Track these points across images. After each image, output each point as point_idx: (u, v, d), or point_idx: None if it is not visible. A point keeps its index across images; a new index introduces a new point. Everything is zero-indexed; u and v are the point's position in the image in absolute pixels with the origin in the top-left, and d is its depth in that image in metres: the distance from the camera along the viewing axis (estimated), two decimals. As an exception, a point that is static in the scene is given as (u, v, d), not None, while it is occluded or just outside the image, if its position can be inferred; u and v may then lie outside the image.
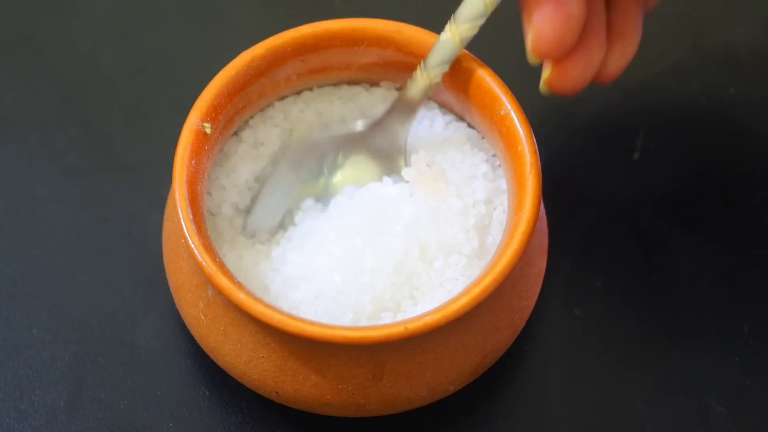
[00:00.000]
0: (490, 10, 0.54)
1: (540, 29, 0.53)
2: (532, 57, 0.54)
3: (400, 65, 0.58)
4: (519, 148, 0.54)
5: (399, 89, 0.60)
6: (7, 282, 0.61)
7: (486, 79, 0.56)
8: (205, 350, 0.56)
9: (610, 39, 0.56)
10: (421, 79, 0.56)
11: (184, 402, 0.58)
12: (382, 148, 0.58)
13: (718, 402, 0.58)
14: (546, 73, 0.56)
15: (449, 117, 0.59)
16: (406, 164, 0.57)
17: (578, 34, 0.54)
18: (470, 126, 0.59)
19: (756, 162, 0.65)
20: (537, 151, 0.54)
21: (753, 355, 0.59)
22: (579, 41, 0.55)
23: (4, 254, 0.62)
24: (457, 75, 0.56)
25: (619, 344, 0.60)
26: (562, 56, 0.55)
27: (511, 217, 0.54)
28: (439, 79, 0.55)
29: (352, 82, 0.60)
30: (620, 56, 0.56)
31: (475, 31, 0.54)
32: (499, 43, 0.61)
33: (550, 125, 0.64)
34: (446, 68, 0.55)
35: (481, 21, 0.54)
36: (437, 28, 0.57)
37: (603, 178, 0.64)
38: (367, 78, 0.60)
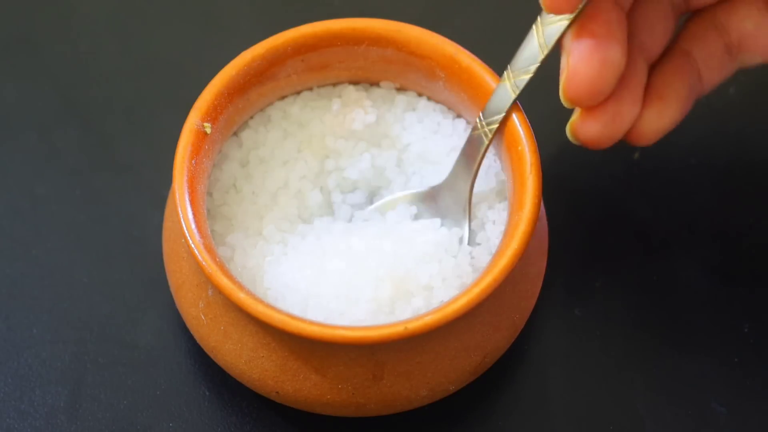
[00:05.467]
0: (545, 55, 0.53)
1: (574, 68, 0.52)
2: (564, 98, 0.53)
3: (400, 65, 0.58)
4: (519, 148, 0.54)
5: (399, 89, 0.60)
6: (7, 282, 0.61)
7: (486, 79, 0.56)
8: (205, 350, 0.56)
9: (648, 99, 0.55)
10: (480, 130, 0.55)
11: (184, 402, 0.58)
12: (448, 206, 0.57)
13: (718, 402, 0.58)
14: (574, 116, 0.55)
15: (451, 115, 0.59)
16: (469, 218, 0.56)
17: (613, 83, 0.53)
18: (469, 123, 0.59)
19: (756, 162, 0.65)
20: (537, 150, 0.54)
21: (753, 355, 0.59)
22: (612, 91, 0.53)
23: (4, 254, 0.62)
24: (457, 75, 0.56)
25: (619, 344, 0.60)
26: (593, 101, 0.53)
27: (511, 217, 0.54)
28: (496, 125, 0.55)
29: (352, 82, 0.60)
30: (657, 118, 0.55)
31: (529, 76, 0.54)
32: (500, 44, 0.61)
33: (550, 125, 0.64)
34: (503, 116, 0.55)
35: (536, 66, 0.53)
36: (437, 28, 0.57)
37: (603, 178, 0.64)
38: (367, 78, 0.59)
